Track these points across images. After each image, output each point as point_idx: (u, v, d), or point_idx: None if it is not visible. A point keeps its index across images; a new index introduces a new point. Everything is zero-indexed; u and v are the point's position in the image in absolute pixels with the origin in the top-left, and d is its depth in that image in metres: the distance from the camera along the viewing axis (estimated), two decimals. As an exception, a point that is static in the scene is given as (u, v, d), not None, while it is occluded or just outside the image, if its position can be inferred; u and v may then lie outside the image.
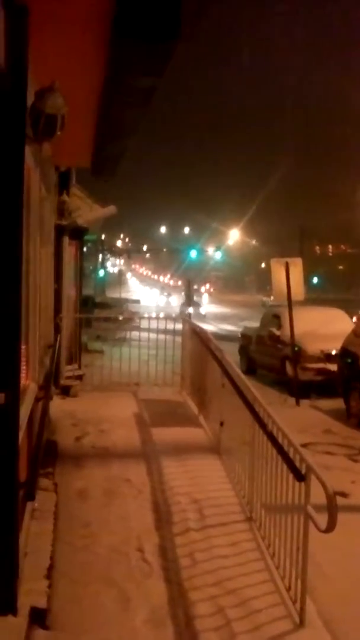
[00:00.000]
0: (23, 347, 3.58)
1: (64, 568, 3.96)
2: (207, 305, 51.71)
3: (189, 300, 40.48)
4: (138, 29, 3.64)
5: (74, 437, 6.88)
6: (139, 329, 13.02)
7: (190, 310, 39.28)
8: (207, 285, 63.80)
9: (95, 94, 5.04)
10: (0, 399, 3.11)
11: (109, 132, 6.01)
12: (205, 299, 55.77)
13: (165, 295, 61.28)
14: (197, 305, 44.84)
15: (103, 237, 44.05)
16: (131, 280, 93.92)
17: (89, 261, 27.71)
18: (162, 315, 13.54)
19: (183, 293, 47.09)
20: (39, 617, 3.33)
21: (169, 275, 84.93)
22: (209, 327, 25.01)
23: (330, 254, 67.99)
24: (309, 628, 3.48)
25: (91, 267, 34.56)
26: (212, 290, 63.90)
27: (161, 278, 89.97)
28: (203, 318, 37.28)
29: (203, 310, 44.57)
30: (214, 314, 45.74)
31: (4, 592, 3.18)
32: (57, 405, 8.12)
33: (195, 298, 52.57)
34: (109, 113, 5.35)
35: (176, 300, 49.88)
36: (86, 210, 10.59)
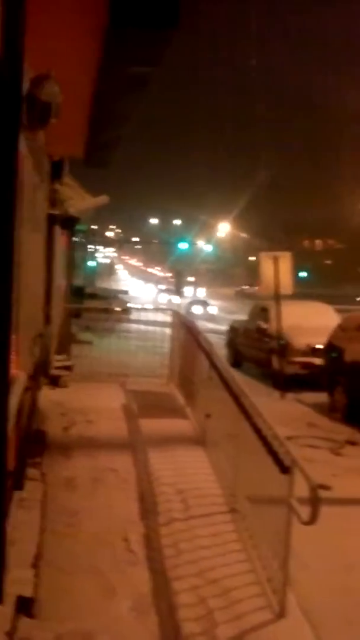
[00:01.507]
0: (13, 336, 3.57)
1: (51, 557, 3.98)
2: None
3: (178, 291, 39.20)
4: (135, 17, 3.64)
5: (62, 427, 6.89)
6: (128, 320, 13.01)
7: (198, 309, 34.81)
8: (193, 278, 61.66)
9: (90, 82, 5.03)
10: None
11: (102, 121, 6.01)
12: (201, 293, 50.75)
13: (165, 291, 50.04)
14: (204, 303, 39.02)
15: (94, 227, 43.34)
16: (121, 271, 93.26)
17: (80, 251, 27.57)
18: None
19: (174, 286, 44.65)
20: (25, 606, 3.34)
21: (159, 268, 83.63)
22: (219, 327, 23.25)
23: (319, 249, 68.11)
24: (289, 618, 3.54)
25: (81, 257, 34.37)
26: (198, 282, 61.99)
27: (155, 271, 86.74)
28: (212, 319, 31.39)
29: (212, 309, 37.16)
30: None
31: (-10, 580, 3.20)
32: (46, 395, 8.12)
33: (198, 295, 49.19)
34: (103, 102, 5.35)
35: (179, 299, 42.42)
36: (78, 199, 10.53)
